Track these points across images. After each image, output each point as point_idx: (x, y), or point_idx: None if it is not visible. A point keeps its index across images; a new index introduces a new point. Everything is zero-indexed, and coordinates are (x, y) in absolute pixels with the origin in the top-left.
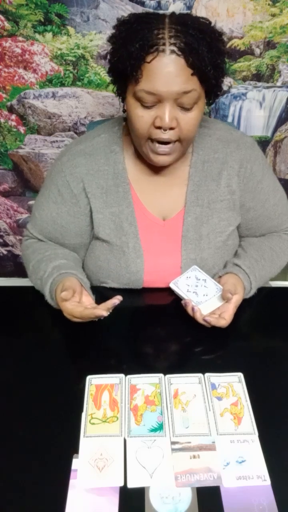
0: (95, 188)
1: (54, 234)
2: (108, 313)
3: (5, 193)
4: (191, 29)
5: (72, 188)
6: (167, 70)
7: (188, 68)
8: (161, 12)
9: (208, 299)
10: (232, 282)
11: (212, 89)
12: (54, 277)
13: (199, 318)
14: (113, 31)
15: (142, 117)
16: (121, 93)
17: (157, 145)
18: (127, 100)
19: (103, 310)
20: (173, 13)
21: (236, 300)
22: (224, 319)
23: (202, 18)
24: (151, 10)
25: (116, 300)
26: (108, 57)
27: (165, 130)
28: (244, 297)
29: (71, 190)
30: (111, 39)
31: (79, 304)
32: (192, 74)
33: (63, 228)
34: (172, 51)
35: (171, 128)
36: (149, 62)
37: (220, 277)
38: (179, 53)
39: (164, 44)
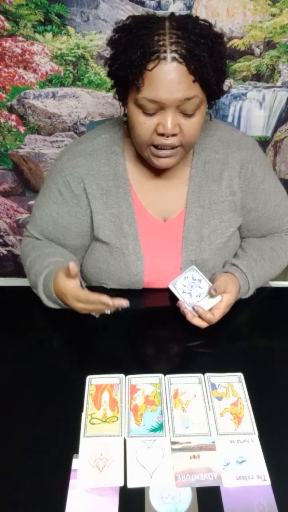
0: (96, 189)
1: (55, 234)
2: (110, 311)
3: (5, 193)
4: (192, 34)
5: (72, 188)
6: (169, 78)
7: (189, 75)
8: (161, 13)
9: (200, 299)
10: (224, 280)
11: (213, 93)
12: (51, 269)
13: (190, 319)
14: (113, 33)
15: (144, 124)
16: (122, 99)
17: (158, 148)
18: (129, 106)
19: (109, 299)
20: (172, 16)
21: (227, 299)
22: (212, 315)
23: (202, 20)
24: (151, 10)
25: (125, 303)
26: (108, 62)
27: (167, 137)
28: (242, 297)
29: (71, 191)
30: (110, 44)
31: (83, 289)
32: (194, 81)
33: (64, 229)
34: (174, 58)
35: (174, 135)
36: (150, 70)
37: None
38: (181, 60)
39: (165, 52)
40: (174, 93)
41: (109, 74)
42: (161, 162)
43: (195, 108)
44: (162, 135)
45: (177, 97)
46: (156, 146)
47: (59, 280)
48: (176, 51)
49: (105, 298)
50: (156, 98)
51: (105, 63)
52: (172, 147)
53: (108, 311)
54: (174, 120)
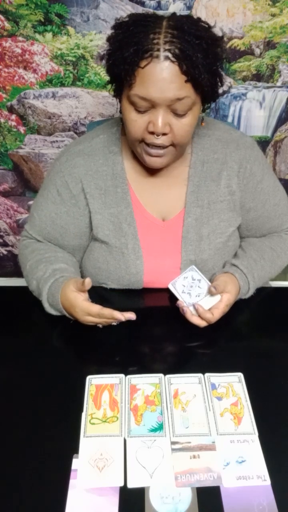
0: (94, 189)
1: (54, 234)
2: (116, 323)
3: (5, 193)
4: (187, 34)
5: (71, 188)
6: (161, 77)
7: (182, 75)
8: (161, 12)
9: (200, 299)
10: (224, 279)
11: (207, 95)
12: (57, 278)
13: (189, 318)
14: (111, 30)
15: (136, 121)
16: (117, 95)
17: (150, 146)
18: (122, 102)
19: (121, 315)
20: (172, 16)
21: (227, 299)
22: (211, 314)
23: (202, 21)
24: (151, 10)
25: (133, 316)
26: (105, 57)
27: (157, 135)
28: (242, 297)
29: (70, 191)
30: (109, 40)
31: (94, 304)
32: (186, 81)
33: (62, 229)
34: (166, 57)
35: (164, 134)
36: (142, 68)
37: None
38: (173, 59)
39: (158, 50)
40: (165, 92)
41: (107, 70)
42: (152, 161)
43: (187, 108)
44: (152, 133)
45: (168, 96)
46: (147, 144)
47: (69, 293)
48: (169, 50)
49: (117, 314)
50: (147, 96)
51: (101, 59)
52: (163, 147)
53: (114, 323)
54: (164, 119)
